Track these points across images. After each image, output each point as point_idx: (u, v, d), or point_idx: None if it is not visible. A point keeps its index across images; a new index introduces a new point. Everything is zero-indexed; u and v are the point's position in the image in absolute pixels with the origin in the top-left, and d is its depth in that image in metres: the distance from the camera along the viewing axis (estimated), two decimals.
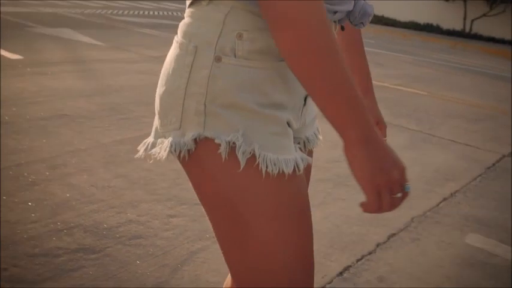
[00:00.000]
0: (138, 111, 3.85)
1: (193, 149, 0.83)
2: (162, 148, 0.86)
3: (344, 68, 0.75)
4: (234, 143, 0.80)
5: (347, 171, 3.15)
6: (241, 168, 0.80)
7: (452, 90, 6.86)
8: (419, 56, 11.03)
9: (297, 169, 0.85)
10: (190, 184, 2.76)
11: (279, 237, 0.84)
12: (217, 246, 2.11)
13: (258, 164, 0.81)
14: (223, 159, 0.81)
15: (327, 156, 3.37)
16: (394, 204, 0.79)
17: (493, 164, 3.75)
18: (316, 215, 2.50)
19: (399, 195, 0.79)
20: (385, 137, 1.19)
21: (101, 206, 2.31)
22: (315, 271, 2.03)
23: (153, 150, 0.89)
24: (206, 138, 0.82)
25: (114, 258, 1.93)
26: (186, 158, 0.85)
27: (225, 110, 0.81)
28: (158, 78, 0.91)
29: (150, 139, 0.92)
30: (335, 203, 2.69)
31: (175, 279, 1.85)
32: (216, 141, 0.81)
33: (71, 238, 2.02)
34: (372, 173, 0.76)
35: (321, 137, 1.04)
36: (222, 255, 2.14)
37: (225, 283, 1.20)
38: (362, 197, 2.78)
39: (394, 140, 4.05)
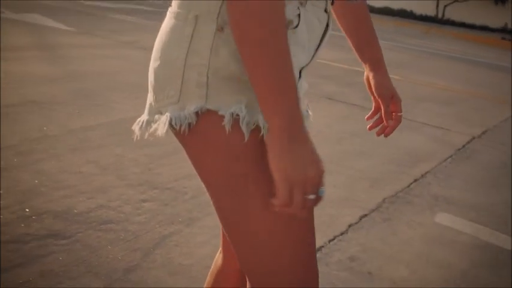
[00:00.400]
0: (110, 97, 3.80)
1: (194, 123, 0.81)
2: (161, 123, 0.83)
3: (286, 53, 0.73)
4: (237, 114, 0.79)
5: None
6: (246, 139, 0.79)
7: (425, 75, 6.95)
8: (393, 41, 11.11)
9: None
10: (162, 169, 2.71)
11: None
12: (189, 229, 2.11)
13: (263, 136, 0.79)
14: (227, 132, 0.79)
15: None
16: (304, 206, 0.75)
17: (463, 146, 3.82)
18: None
19: (312, 197, 0.76)
20: (401, 112, 1.15)
21: (71, 192, 2.28)
22: None
23: (152, 128, 0.86)
24: (208, 110, 0.80)
25: (84, 243, 1.91)
26: (186, 132, 0.82)
27: (227, 81, 0.79)
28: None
29: (144, 117, 0.89)
30: None
31: (147, 263, 1.84)
32: (220, 113, 0.79)
33: (40, 224, 1.99)
34: (288, 167, 0.73)
35: (311, 113, 1.02)
36: (194, 238, 2.13)
37: (212, 268, 1.19)
38: (334, 180, 2.81)
39: (367, 123, 4.09)
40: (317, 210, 2.47)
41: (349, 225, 2.33)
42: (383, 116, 1.16)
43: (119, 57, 5.23)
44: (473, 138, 4.06)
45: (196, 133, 0.82)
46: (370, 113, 1.20)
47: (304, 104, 0.98)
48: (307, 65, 0.89)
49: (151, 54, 0.89)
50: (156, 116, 0.86)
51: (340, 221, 2.35)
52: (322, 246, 2.11)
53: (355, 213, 2.45)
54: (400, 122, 1.15)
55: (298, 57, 0.84)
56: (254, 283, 0.91)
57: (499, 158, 3.66)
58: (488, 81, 7.27)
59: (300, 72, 0.89)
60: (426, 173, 3.14)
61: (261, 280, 0.89)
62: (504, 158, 3.66)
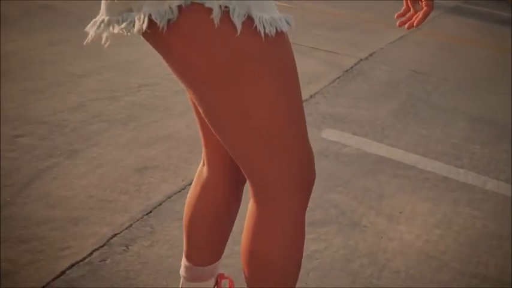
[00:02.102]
0: None
1: (175, 18, 0.73)
2: (138, 20, 0.74)
3: None
4: (226, 6, 0.73)
5: None
6: (238, 32, 0.74)
7: (317, 2, 7.02)
8: None
9: (288, 25, 0.82)
10: (39, 103, 2.51)
11: (285, 94, 0.82)
12: (70, 162, 2.00)
13: (256, 27, 0.75)
14: (216, 25, 0.73)
15: None
16: None
17: (351, 67, 3.94)
18: (177, 124, 2.47)
19: None
20: (431, 8, 1.04)
21: None
22: (176, 176, 2.02)
23: (117, 29, 0.77)
24: (193, 3, 0.73)
25: None
26: (165, 29, 0.74)
27: None
28: None
29: (103, 17, 0.79)
30: None
31: (22, 198, 1.73)
32: (206, 5, 0.72)
33: None
34: None
35: None
36: (75, 170, 2.02)
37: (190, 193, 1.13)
38: None
39: None
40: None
41: None
42: (409, 2, 1.08)
43: None
44: (361, 60, 4.20)
45: (179, 30, 0.75)
46: (401, 10, 1.13)
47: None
48: None
49: None
50: (124, 14, 0.76)
51: None
52: None
53: None
54: (432, 8, 1.05)
55: None
56: (257, 182, 0.89)
57: (383, 77, 3.83)
58: (378, 7, 7.51)
59: None
60: (315, 93, 3.21)
61: (266, 175, 0.87)
62: (387, 77, 3.84)
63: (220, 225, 1.13)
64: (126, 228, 1.65)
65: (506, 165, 2.59)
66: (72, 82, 2.76)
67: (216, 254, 1.16)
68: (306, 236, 1.76)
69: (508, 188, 2.34)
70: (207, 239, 1.13)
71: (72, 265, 1.47)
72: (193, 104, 1.01)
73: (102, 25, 0.80)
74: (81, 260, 1.49)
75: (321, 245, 1.73)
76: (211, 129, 0.88)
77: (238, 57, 0.77)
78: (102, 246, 1.56)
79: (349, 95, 3.28)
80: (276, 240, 0.92)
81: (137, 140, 2.25)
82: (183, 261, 1.17)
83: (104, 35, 0.79)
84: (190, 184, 1.95)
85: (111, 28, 0.78)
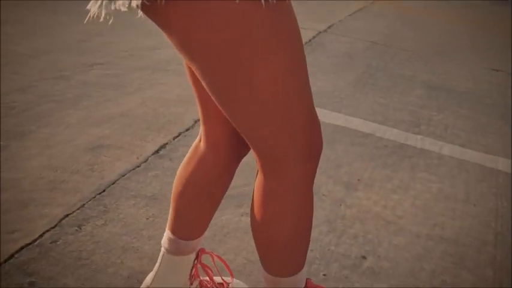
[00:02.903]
0: None
1: None
2: None
3: None
4: None
5: (167, 57, 3.05)
6: (237, 0, 0.72)
7: None
8: None
9: None
10: None
11: (290, 62, 0.81)
12: (20, 143, 1.93)
13: None
14: None
15: (143, 45, 3.22)
16: None
17: (310, 40, 3.92)
18: (131, 102, 2.40)
19: None
20: None
21: None
22: (130, 154, 1.97)
23: (116, 5, 0.74)
24: None
25: None
26: (163, 1, 0.72)
27: None
28: None
29: None
30: (153, 87, 2.61)
31: None
32: None
33: None
34: None
35: None
36: (25, 151, 1.95)
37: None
38: (181, 80, 2.73)
39: None
40: (163, 111, 2.39)
41: (195, 121, 2.30)
42: None
43: None
44: (320, 32, 4.19)
45: (180, 3, 0.72)
46: None
47: None
48: None
49: None
50: None
51: (186, 118, 2.31)
52: (166, 144, 2.06)
53: None
54: None
55: None
56: (263, 153, 0.87)
57: (342, 48, 3.83)
58: None
59: None
60: None
61: (272, 146, 0.86)
62: (346, 48, 3.84)
63: (211, 201, 1.12)
64: (78, 208, 1.61)
65: (461, 130, 2.63)
66: (19, 62, 2.65)
67: (202, 228, 1.15)
68: None
69: (462, 152, 2.38)
70: (196, 214, 1.12)
71: (22, 248, 1.42)
72: (192, 78, 0.98)
73: (104, 2, 0.77)
74: (31, 242, 1.44)
75: None
76: (216, 102, 0.86)
77: (239, 26, 0.75)
78: (53, 228, 1.51)
79: (307, 67, 3.26)
80: (285, 209, 0.93)
81: (89, 119, 2.19)
82: (167, 234, 1.15)
83: (103, 13, 0.77)
84: (145, 161, 1.92)
85: (112, 5, 0.76)
